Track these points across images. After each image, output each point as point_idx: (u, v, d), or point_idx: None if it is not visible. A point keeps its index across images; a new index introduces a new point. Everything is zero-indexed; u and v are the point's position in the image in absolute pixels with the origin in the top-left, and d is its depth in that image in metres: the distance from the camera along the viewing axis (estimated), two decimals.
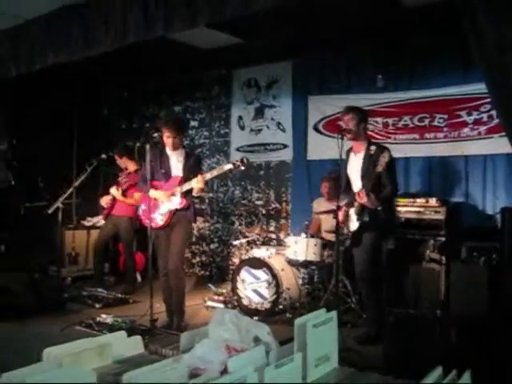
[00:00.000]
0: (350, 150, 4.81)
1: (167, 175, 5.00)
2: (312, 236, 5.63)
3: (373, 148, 4.59)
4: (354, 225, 4.66)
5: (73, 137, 8.42)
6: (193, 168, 4.97)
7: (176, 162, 5.03)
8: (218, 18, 3.73)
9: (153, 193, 4.92)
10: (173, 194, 4.90)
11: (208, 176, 4.82)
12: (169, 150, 5.03)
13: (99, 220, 7.38)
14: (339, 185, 4.74)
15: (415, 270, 5.30)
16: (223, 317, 2.06)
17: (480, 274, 4.77)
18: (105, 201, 6.72)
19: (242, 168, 4.69)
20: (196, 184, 4.75)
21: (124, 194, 6.58)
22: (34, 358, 1.88)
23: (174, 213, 4.93)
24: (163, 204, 4.93)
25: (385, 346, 3.77)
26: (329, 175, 6.20)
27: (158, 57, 6.82)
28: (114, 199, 6.64)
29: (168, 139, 4.93)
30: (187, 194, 4.90)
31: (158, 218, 4.94)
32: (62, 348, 1.91)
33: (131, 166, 6.70)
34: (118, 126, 9.07)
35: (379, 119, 6.30)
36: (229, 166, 4.70)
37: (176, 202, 4.90)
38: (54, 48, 4.72)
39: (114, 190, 6.60)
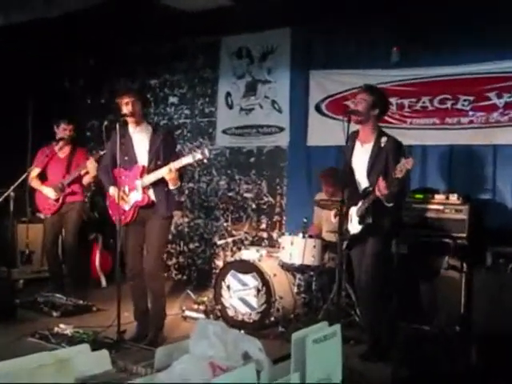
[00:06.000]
0: (355, 136, 4.71)
1: (131, 162, 4.86)
2: (311, 236, 5.63)
3: (383, 140, 4.54)
4: (354, 227, 4.65)
5: (28, 114, 8.34)
6: (162, 150, 4.81)
7: (140, 143, 4.88)
8: None
9: (111, 190, 4.85)
10: (133, 189, 4.81)
11: (176, 165, 4.61)
12: (131, 129, 4.89)
13: None
14: (337, 175, 4.67)
15: (431, 279, 5.32)
16: (207, 329, 2.06)
17: (508, 284, 4.80)
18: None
19: (205, 161, 4.72)
20: (166, 175, 4.64)
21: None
22: None
23: (137, 209, 4.86)
24: (128, 198, 4.84)
25: (394, 366, 3.79)
26: (324, 170, 6.19)
27: (133, 20, 6.75)
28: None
29: (127, 106, 4.76)
30: (156, 185, 4.79)
31: (125, 214, 4.87)
32: (13, 363, 1.90)
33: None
34: (82, 101, 9.03)
35: (393, 100, 6.26)
36: (188, 160, 4.55)
37: (136, 199, 4.82)
38: (9, 6, 4.66)
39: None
